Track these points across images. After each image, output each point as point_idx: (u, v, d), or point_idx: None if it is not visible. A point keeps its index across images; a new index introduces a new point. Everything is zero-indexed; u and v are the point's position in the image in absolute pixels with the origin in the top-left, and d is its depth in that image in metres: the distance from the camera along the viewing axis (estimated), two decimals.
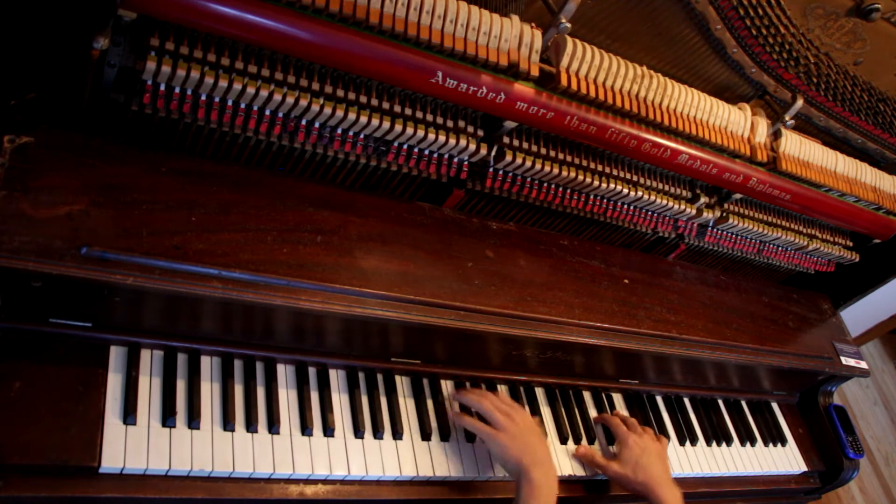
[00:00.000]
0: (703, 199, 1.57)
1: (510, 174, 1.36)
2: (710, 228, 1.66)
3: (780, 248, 1.79)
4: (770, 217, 1.70)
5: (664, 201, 1.50)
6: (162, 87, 1.05)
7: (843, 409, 1.93)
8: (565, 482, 1.44)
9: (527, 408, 1.46)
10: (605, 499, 1.50)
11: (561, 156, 1.36)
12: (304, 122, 1.15)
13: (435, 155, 1.28)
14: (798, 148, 1.54)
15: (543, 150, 1.34)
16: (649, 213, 1.55)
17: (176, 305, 1.09)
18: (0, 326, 1.00)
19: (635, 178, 1.46)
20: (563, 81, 1.20)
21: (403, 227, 1.32)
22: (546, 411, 1.49)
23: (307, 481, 1.18)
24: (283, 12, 0.99)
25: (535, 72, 1.17)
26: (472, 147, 1.26)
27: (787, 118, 1.51)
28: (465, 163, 1.30)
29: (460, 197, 1.39)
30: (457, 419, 1.33)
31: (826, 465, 1.89)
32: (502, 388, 1.47)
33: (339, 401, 1.27)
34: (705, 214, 1.58)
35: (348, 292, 1.16)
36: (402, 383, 1.36)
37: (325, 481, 1.20)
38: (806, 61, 1.46)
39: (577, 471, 1.44)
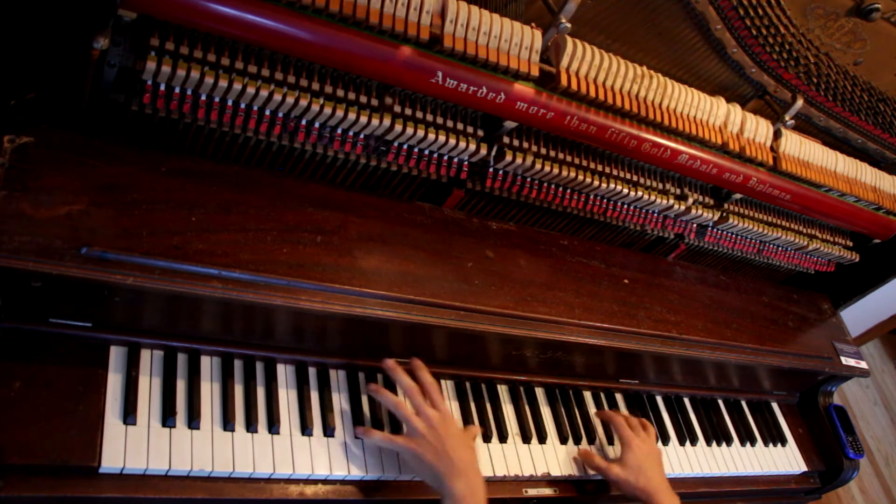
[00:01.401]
0: (703, 199, 1.57)
1: (510, 174, 1.36)
2: (710, 228, 1.66)
3: (780, 248, 1.79)
4: (770, 217, 1.70)
5: (664, 201, 1.50)
6: (162, 87, 1.05)
7: (843, 409, 1.93)
8: (565, 482, 1.44)
9: (527, 408, 1.46)
10: (603, 499, 1.50)
11: (561, 156, 1.36)
12: (304, 122, 1.15)
13: (435, 155, 1.28)
14: (798, 148, 1.54)
15: (543, 150, 1.34)
16: (649, 213, 1.55)
17: (176, 305, 1.09)
18: (0, 326, 1.00)
19: (635, 178, 1.46)
20: (563, 81, 1.20)
21: (403, 227, 1.32)
22: (546, 411, 1.49)
23: (307, 481, 1.18)
24: (283, 12, 0.99)
25: (535, 72, 1.17)
26: (472, 147, 1.26)
27: (787, 118, 1.51)
28: (465, 163, 1.30)
29: (460, 197, 1.39)
30: (363, 435, 1.21)
31: (826, 465, 1.89)
32: (501, 388, 1.47)
33: (339, 401, 1.26)
34: (705, 214, 1.58)
35: (348, 292, 1.16)
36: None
37: (325, 481, 1.20)
38: (806, 61, 1.46)
39: (578, 471, 1.44)
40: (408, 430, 1.21)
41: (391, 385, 1.30)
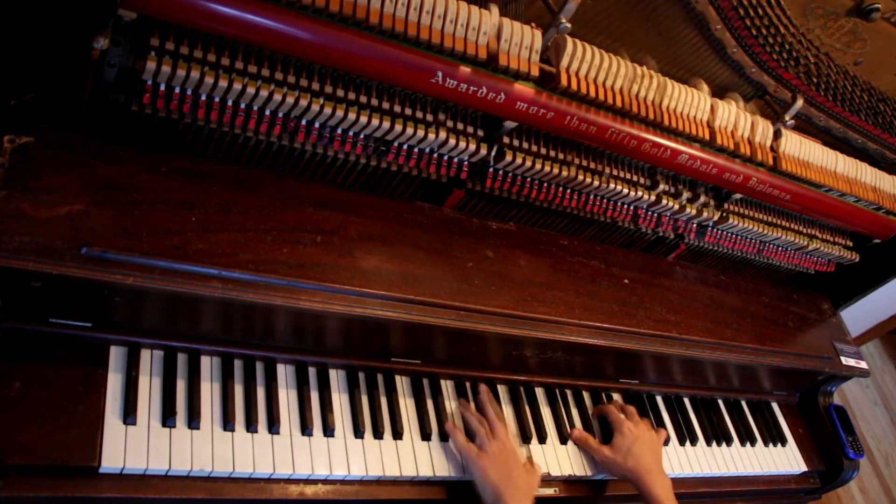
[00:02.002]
0: (703, 199, 1.57)
1: (510, 174, 1.36)
2: (710, 228, 1.66)
3: (780, 248, 1.79)
4: (770, 217, 1.70)
5: (664, 201, 1.50)
6: (162, 87, 1.05)
7: (843, 409, 1.93)
8: (565, 482, 1.44)
9: (527, 408, 1.46)
10: (604, 499, 1.51)
11: (561, 156, 1.36)
12: (304, 122, 1.15)
13: (435, 155, 1.28)
14: (798, 148, 1.54)
15: (543, 150, 1.34)
16: (649, 212, 1.55)
17: (176, 305, 1.09)
18: (0, 326, 1.00)
19: (635, 178, 1.46)
20: (563, 81, 1.20)
21: (403, 227, 1.32)
22: (546, 411, 1.49)
23: (307, 481, 1.18)
24: (283, 12, 0.99)
25: (535, 72, 1.17)
26: (472, 147, 1.26)
27: (787, 118, 1.51)
28: (465, 163, 1.30)
29: (460, 197, 1.39)
30: (452, 432, 1.32)
31: (826, 465, 1.89)
32: (501, 388, 1.47)
33: (339, 401, 1.27)
34: (705, 214, 1.58)
35: (348, 292, 1.16)
36: (402, 383, 1.36)
37: (325, 481, 1.20)
38: (806, 61, 1.46)
39: (578, 471, 1.44)
40: (481, 447, 1.29)
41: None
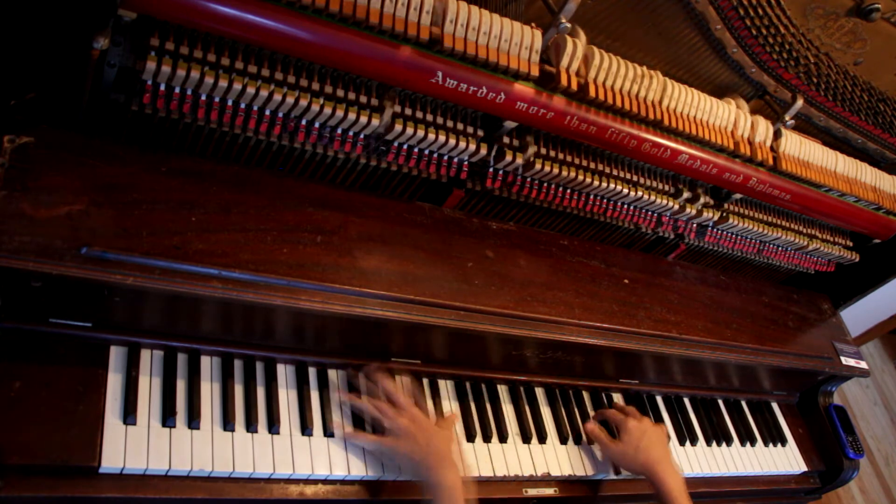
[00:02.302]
0: (703, 199, 1.57)
1: (510, 174, 1.36)
2: (710, 228, 1.66)
3: (780, 248, 1.79)
4: (770, 217, 1.70)
5: (664, 201, 1.50)
6: (162, 87, 1.05)
7: (843, 409, 1.93)
8: (565, 482, 1.44)
9: (527, 408, 1.46)
10: (604, 499, 1.51)
11: (561, 156, 1.36)
12: (304, 122, 1.15)
13: (435, 155, 1.28)
14: (798, 148, 1.54)
15: (543, 150, 1.34)
16: (649, 213, 1.55)
17: (176, 305, 1.09)
18: (0, 326, 1.00)
19: (635, 178, 1.46)
20: (563, 81, 1.20)
21: (403, 227, 1.32)
22: (546, 411, 1.49)
23: (307, 481, 1.18)
24: (283, 12, 0.99)
25: (535, 72, 1.17)
26: (472, 147, 1.26)
27: (787, 118, 1.51)
28: (465, 163, 1.30)
29: (460, 197, 1.39)
30: (352, 438, 1.22)
31: (826, 465, 1.89)
32: (502, 388, 1.47)
33: (340, 401, 1.26)
34: (705, 214, 1.58)
35: (348, 292, 1.16)
36: (401, 383, 1.35)
37: (325, 481, 1.20)
38: (806, 61, 1.46)
39: (578, 471, 1.44)
40: (392, 431, 1.22)
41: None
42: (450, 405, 1.37)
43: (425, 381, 1.38)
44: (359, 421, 1.26)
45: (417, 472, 1.20)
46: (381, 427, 1.23)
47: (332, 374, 1.28)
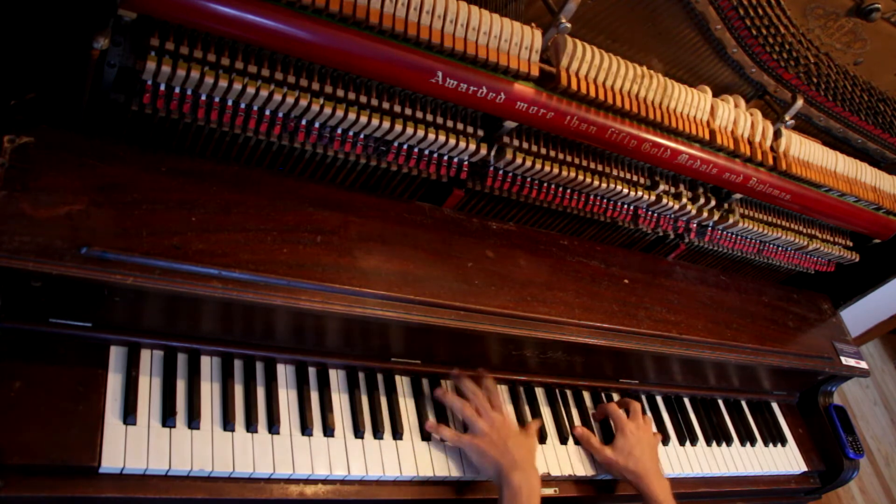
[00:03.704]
0: (703, 199, 1.57)
1: (510, 174, 1.36)
2: (710, 228, 1.66)
3: (780, 248, 1.79)
4: (770, 217, 1.70)
5: (664, 201, 1.50)
6: (162, 87, 1.05)
7: (843, 409, 1.93)
8: (565, 482, 1.44)
9: (526, 408, 1.46)
10: (604, 499, 1.51)
11: (561, 156, 1.36)
12: (304, 122, 1.15)
13: (435, 155, 1.28)
14: (798, 148, 1.54)
15: (543, 150, 1.34)
16: (649, 212, 1.55)
17: (176, 305, 1.09)
18: (0, 326, 1.00)
19: (635, 178, 1.46)
20: (563, 81, 1.20)
21: (403, 227, 1.32)
22: (546, 411, 1.49)
23: (307, 481, 1.18)
24: (283, 12, 0.99)
25: (535, 72, 1.17)
26: (472, 147, 1.26)
27: (787, 118, 1.51)
28: (465, 163, 1.30)
29: (460, 197, 1.39)
30: (434, 430, 1.30)
31: (826, 465, 1.89)
32: (502, 388, 1.47)
33: (339, 401, 1.27)
34: (705, 214, 1.58)
35: (348, 292, 1.16)
36: (402, 383, 1.36)
37: (325, 481, 1.20)
38: (806, 61, 1.46)
39: (578, 471, 1.44)
40: (472, 430, 1.29)
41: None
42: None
43: (425, 382, 1.38)
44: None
45: (491, 472, 1.26)
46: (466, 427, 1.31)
47: (332, 373, 1.29)
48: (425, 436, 1.31)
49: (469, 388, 1.34)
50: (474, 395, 1.33)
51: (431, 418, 1.33)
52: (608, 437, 1.52)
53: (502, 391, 1.46)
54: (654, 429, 1.58)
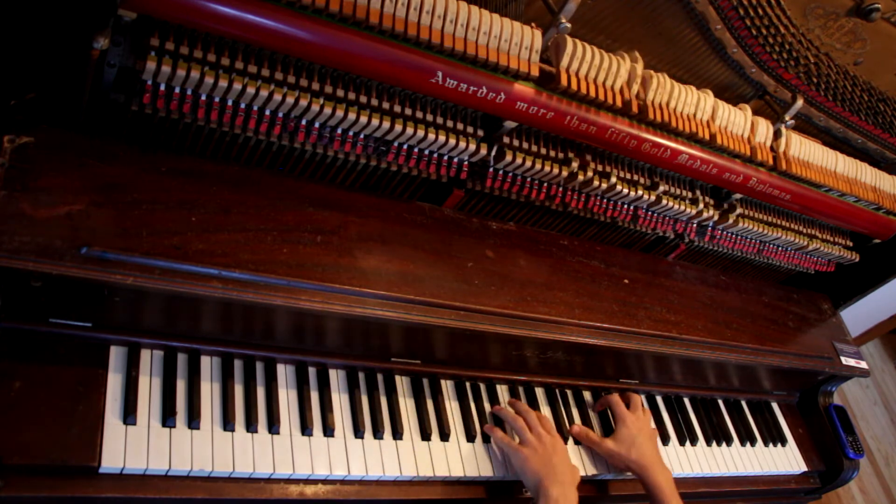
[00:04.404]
0: (703, 199, 1.57)
1: (510, 174, 1.36)
2: (710, 228, 1.66)
3: (780, 248, 1.79)
4: (770, 217, 1.70)
5: (664, 201, 1.50)
6: (162, 87, 1.05)
7: (843, 409, 1.93)
8: None
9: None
10: (605, 498, 1.51)
11: (561, 156, 1.36)
12: (304, 122, 1.15)
13: (435, 155, 1.28)
14: (798, 148, 1.54)
15: (543, 150, 1.34)
16: (649, 212, 1.55)
17: (176, 305, 1.09)
18: (0, 326, 1.00)
19: (635, 178, 1.46)
20: (563, 81, 1.20)
21: (403, 227, 1.32)
22: (546, 411, 1.49)
23: (307, 481, 1.18)
24: (283, 12, 0.99)
25: (535, 72, 1.17)
26: (472, 147, 1.26)
27: (787, 118, 1.51)
28: (465, 163, 1.30)
29: (460, 197, 1.39)
30: (489, 431, 1.37)
31: (826, 465, 1.89)
32: (502, 388, 1.47)
33: (339, 401, 1.27)
34: (705, 214, 1.58)
35: (348, 292, 1.16)
36: (402, 383, 1.36)
37: (325, 481, 1.20)
38: (806, 61, 1.46)
39: (579, 470, 1.44)
40: (522, 440, 1.35)
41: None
42: (450, 405, 1.38)
43: (425, 382, 1.38)
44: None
45: (530, 481, 1.29)
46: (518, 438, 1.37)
47: (332, 374, 1.29)
48: (425, 436, 1.31)
49: (523, 408, 1.41)
50: (527, 412, 1.40)
51: (489, 424, 1.39)
52: (607, 431, 1.52)
53: (502, 391, 1.47)
54: (653, 425, 1.58)
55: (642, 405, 1.57)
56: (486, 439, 1.37)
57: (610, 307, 1.48)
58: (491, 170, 1.34)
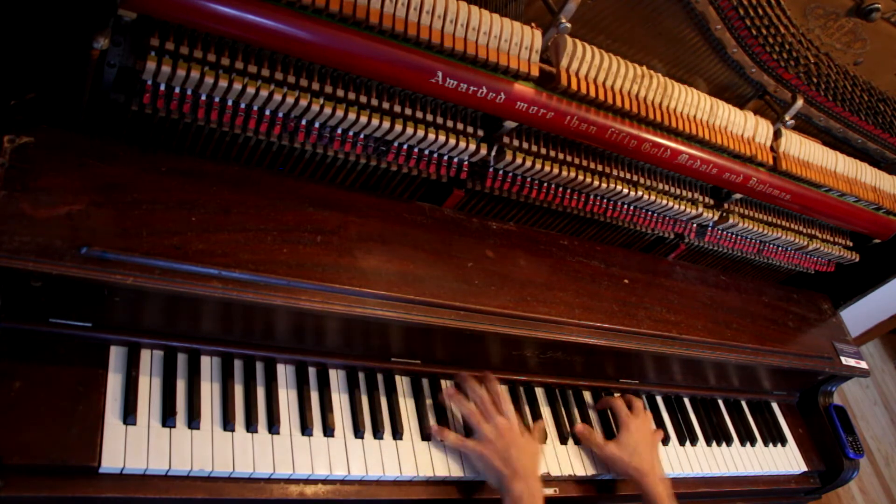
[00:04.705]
0: (703, 199, 1.57)
1: (510, 174, 1.36)
2: (710, 228, 1.66)
3: (780, 248, 1.79)
4: (770, 217, 1.70)
5: (664, 201, 1.50)
6: (162, 87, 1.05)
7: (843, 409, 1.93)
8: (565, 482, 1.44)
9: (526, 408, 1.46)
10: (605, 498, 1.50)
11: (561, 156, 1.36)
12: (304, 122, 1.15)
13: (435, 155, 1.28)
14: (798, 148, 1.54)
15: (543, 150, 1.34)
16: (649, 213, 1.55)
17: (176, 305, 1.09)
18: (0, 326, 1.00)
19: (635, 178, 1.46)
20: (563, 81, 1.20)
21: (403, 227, 1.32)
22: (546, 411, 1.49)
23: (307, 481, 1.18)
24: (283, 12, 0.99)
25: (535, 72, 1.17)
26: (472, 147, 1.26)
27: (787, 118, 1.51)
28: (465, 163, 1.30)
29: (460, 197, 1.39)
30: (438, 435, 1.30)
31: (826, 465, 1.89)
32: (501, 388, 1.47)
33: (339, 401, 1.27)
34: (705, 214, 1.58)
35: (348, 292, 1.16)
36: (402, 383, 1.36)
37: (325, 481, 1.20)
38: (806, 61, 1.46)
39: (578, 471, 1.44)
40: (478, 435, 1.29)
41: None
42: (450, 405, 1.37)
43: (425, 382, 1.38)
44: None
45: (493, 480, 1.26)
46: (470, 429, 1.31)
47: (332, 374, 1.29)
48: (425, 436, 1.31)
49: (475, 390, 1.34)
50: (480, 398, 1.33)
51: (433, 422, 1.32)
52: (607, 435, 1.52)
53: (502, 391, 1.46)
54: (653, 426, 1.58)
55: (644, 408, 1.57)
56: None
57: (610, 307, 1.48)
58: (491, 170, 1.34)
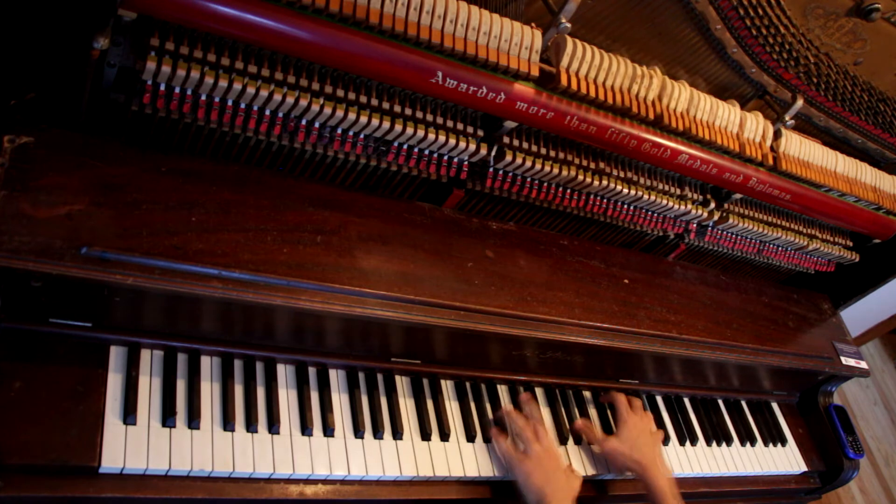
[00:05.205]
0: (703, 199, 1.57)
1: (510, 174, 1.36)
2: (710, 228, 1.66)
3: (780, 248, 1.79)
4: (770, 217, 1.70)
5: (664, 201, 1.50)
6: (162, 87, 1.05)
7: (843, 409, 1.93)
8: None
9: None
10: (605, 498, 1.51)
11: (561, 156, 1.36)
12: (304, 122, 1.15)
13: (435, 155, 1.28)
14: (798, 148, 1.54)
15: (543, 150, 1.34)
16: (649, 213, 1.55)
17: (176, 305, 1.09)
18: (0, 326, 1.00)
19: (635, 178, 1.46)
20: (563, 81, 1.20)
21: (403, 227, 1.32)
22: (546, 411, 1.49)
23: (307, 481, 1.18)
24: (283, 12, 0.99)
25: (535, 72, 1.17)
26: (472, 147, 1.26)
27: (787, 118, 1.51)
28: (465, 163, 1.30)
29: (460, 197, 1.39)
30: (494, 438, 1.36)
31: (826, 465, 1.89)
32: (501, 388, 1.47)
33: (339, 401, 1.27)
34: (705, 214, 1.58)
35: (348, 292, 1.16)
36: (402, 383, 1.36)
37: (325, 481, 1.20)
38: (806, 61, 1.46)
39: (578, 471, 1.44)
40: (526, 450, 1.32)
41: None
42: (450, 405, 1.37)
43: (425, 382, 1.38)
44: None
45: (532, 496, 1.27)
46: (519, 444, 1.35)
47: (332, 374, 1.29)
48: (425, 436, 1.31)
49: (533, 414, 1.39)
50: (536, 421, 1.38)
51: (494, 428, 1.37)
52: (606, 430, 1.52)
53: (502, 391, 1.46)
54: (654, 427, 1.58)
55: (644, 409, 1.57)
56: (487, 439, 1.37)
57: (610, 307, 1.48)
58: (491, 170, 1.34)
